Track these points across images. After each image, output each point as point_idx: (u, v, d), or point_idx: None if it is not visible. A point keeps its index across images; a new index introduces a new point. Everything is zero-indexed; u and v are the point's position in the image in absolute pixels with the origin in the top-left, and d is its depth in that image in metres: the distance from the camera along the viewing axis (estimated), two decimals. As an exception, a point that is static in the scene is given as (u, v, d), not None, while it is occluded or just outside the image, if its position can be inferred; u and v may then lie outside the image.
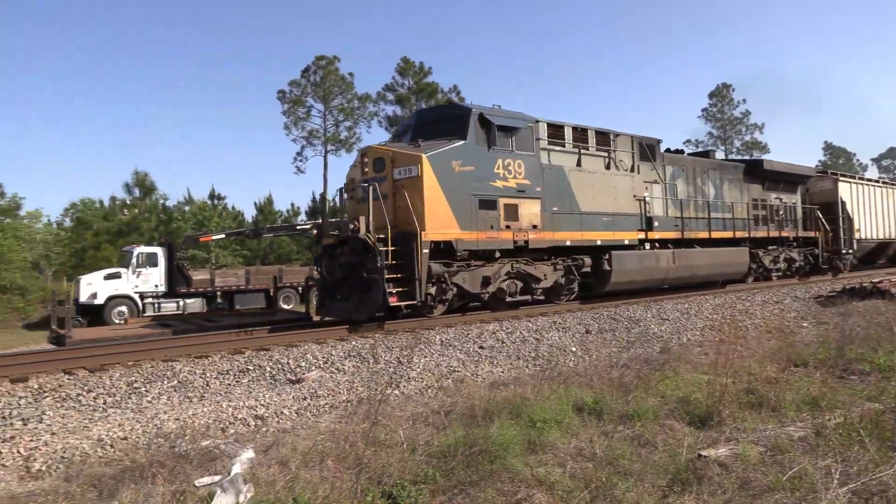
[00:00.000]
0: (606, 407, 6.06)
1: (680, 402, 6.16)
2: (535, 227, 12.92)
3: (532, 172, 13.05)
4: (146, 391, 7.48)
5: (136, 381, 7.75)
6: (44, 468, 5.10)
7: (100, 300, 19.04)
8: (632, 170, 15.28)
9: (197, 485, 4.39)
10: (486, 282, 12.40)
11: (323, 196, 37.47)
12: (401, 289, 10.95)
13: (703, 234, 17.11)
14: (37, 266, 31.32)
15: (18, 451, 5.40)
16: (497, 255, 12.59)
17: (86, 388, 7.42)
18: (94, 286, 19.16)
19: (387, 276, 10.74)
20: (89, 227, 32.35)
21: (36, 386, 7.43)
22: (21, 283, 25.25)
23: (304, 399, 7.30)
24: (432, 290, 11.67)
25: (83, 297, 18.71)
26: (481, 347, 10.26)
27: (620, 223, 14.77)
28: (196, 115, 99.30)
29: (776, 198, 20.40)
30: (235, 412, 6.71)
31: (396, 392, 7.69)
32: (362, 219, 11.02)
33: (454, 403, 6.70)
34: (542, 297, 13.86)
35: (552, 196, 13.32)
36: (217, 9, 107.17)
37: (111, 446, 5.58)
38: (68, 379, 7.74)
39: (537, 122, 13.36)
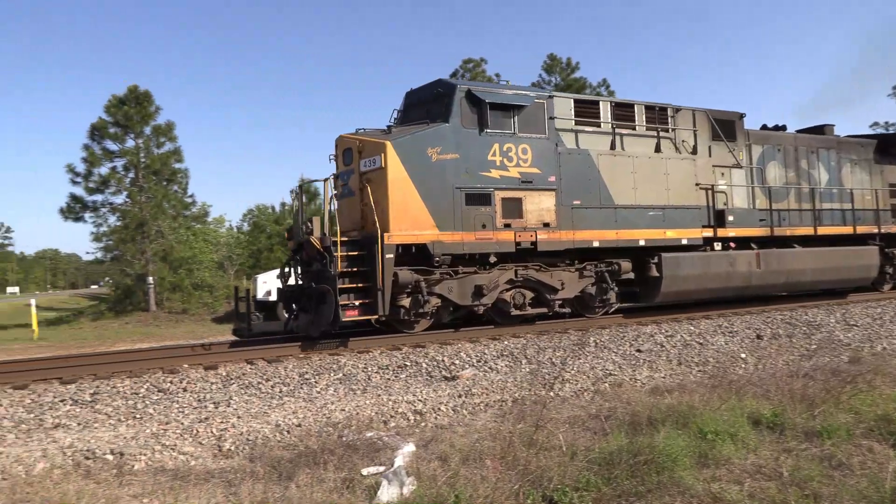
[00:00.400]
0: (788, 421, 5.46)
1: (880, 421, 5.39)
2: (546, 224, 10.81)
3: (543, 159, 10.90)
4: (315, 382, 8.01)
5: (306, 372, 8.35)
6: (232, 448, 5.54)
7: (273, 297, 20.87)
8: (694, 152, 12.74)
9: (364, 473, 4.59)
10: (479, 292, 10.41)
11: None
12: (364, 300, 9.49)
13: (805, 230, 14.04)
14: (221, 266, 35.05)
15: (212, 431, 5.94)
16: (492, 259, 10.59)
17: (264, 377, 8.10)
18: (269, 284, 21.00)
19: (342, 286, 9.31)
20: (263, 231, 35.68)
21: (224, 374, 8.23)
22: (210, 282, 28.34)
23: (460, 396, 7.39)
24: (406, 301, 10.01)
25: (259, 294, 20.56)
26: (639, 351, 9.78)
27: (676, 218, 12.22)
28: (349, 117, 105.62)
29: None
30: (395, 406, 6.94)
31: (550, 394, 7.55)
32: (316, 219, 9.83)
33: (613, 408, 6.43)
34: (565, 311, 11.54)
35: (573, 187, 11.15)
36: (372, 20, 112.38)
37: (287, 432, 5.99)
38: (250, 368, 8.52)
39: (551, 97, 11.30)
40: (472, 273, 10.44)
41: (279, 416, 6.44)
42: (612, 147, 11.84)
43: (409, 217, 9.81)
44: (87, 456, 5.28)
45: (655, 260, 11.87)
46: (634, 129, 12.18)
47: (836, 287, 15.32)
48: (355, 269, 9.55)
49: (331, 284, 9.19)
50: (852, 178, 15.47)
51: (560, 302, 11.36)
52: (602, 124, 11.83)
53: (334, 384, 8.01)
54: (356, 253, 9.58)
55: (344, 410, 6.74)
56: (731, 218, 12.91)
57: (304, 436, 5.85)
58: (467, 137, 10.33)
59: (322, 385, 7.94)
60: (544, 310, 11.22)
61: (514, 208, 10.67)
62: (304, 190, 11.89)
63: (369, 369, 8.57)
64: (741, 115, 13.81)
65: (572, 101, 11.68)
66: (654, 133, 12.37)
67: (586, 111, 11.73)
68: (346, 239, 9.61)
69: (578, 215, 11.21)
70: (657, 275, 11.85)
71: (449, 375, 8.45)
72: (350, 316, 9.35)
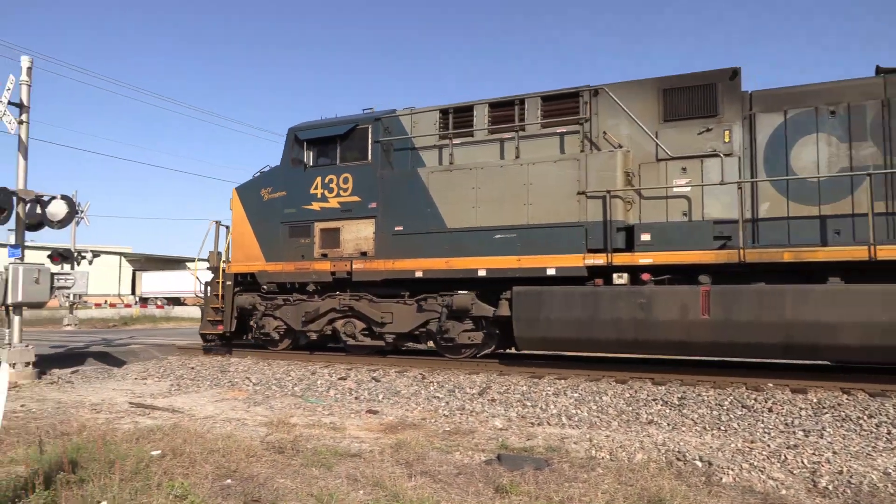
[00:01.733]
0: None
1: None
2: (364, 254, 10.50)
3: (364, 185, 10.58)
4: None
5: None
6: (830, 487, 4.74)
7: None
8: (580, 148, 9.63)
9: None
10: (309, 319, 11.08)
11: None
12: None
13: (844, 254, 7.89)
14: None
15: (802, 462, 5.33)
16: (311, 287, 11.17)
17: (866, 412, 7.01)
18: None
19: (211, 307, 12.27)
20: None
21: (815, 400, 7.49)
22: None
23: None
24: (255, 323, 12.07)
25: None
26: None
27: (539, 241, 9.46)
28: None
29: None
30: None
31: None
32: (211, 252, 12.70)
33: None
34: (421, 346, 11.42)
35: (396, 212, 10.34)
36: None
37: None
38: (847, 398, 7.54)
39: (377, 119, 10.76)
40: (304, 301, 11.46)
41: (889, 463, 5.37)
42: (446, 162, 10.49)
43: (244, 250, 11.85)
44: (677, 457, 5.38)
45: (508, 295, 9.67)
46: (525, 129, 10.08)
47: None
48: (215, 294, 12.31)
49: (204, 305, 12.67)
50: None
51: (393, 336, 10.79)
52: (477, 132, 10.39)
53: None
54: (219, 281, 12.24)
55: None
56: (645, 237, 8.90)
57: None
58: (294, 175, 11.40)
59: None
60: (381, 342, 10.97)
61: (332, 238, 10.95)
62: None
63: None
64: (732, 73, 9.05)
65: (437, 112, 10.69)
66: (556, 130, 9.93)
67: (460, 119, 10.54)
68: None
69: (400, 242, 10.38)
70: (508, 314, 9.61)
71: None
72: (217, 330, 12.30)
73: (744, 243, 8.44)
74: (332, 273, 10.81)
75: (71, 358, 11.46)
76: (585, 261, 9.14)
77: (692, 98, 9.20)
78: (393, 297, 10.72)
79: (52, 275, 9.27)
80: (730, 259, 8.39)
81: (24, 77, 9.13)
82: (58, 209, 9.70)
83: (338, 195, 10.86)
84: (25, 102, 9.18)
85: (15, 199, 9.38)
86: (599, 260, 9.06)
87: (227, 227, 12.64)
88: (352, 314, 11.00)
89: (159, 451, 5.08)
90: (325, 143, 11.12)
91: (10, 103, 8.93)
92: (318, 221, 11.02)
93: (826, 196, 8.47)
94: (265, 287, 11.57)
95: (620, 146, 9.41)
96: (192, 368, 11.05)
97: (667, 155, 9.20)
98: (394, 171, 10.69)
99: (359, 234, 10.76)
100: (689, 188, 9.03)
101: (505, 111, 10.26)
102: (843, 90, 8.66)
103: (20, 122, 9.12)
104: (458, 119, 10.51)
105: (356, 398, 8.49)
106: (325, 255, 10.94)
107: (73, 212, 9.96)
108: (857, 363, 9.07)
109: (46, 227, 9.94)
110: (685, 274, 8.82)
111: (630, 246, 9.02)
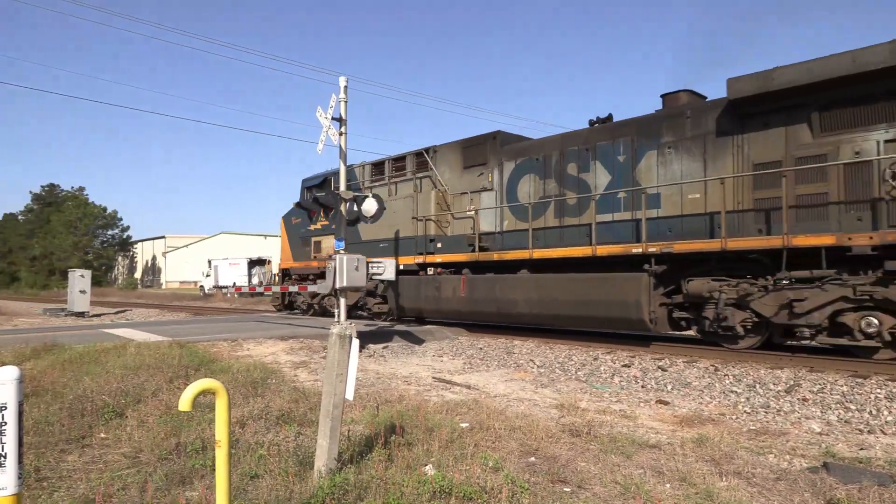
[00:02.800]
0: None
1: None
2: (330, 257, 14.73)
3: (333, 215, 16.02)
4: None
5: None
6: None
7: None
8: (416, 189, 15.34)
9: None
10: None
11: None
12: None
13: (523, 255, 12.44)
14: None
15: None
16: (311, 277, 17.88)
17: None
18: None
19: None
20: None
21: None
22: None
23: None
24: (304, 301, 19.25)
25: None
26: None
27: (400, 249, 15.40)
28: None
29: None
30: None
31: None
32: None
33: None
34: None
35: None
36: None
37: None
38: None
39: (350, 167, 16.43)
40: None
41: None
42: (391, 194, 16.01)
43: (285, 254, 19.83)
44: None
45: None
46: (405, 174, 15.88)
47: (603, 327, 11.78)
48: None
49: None
50: (662, 171, 10.91)
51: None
52: (386, 177, 16.46)
53: None
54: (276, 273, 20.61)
55: None
56: (438, 245, 14.69)
57: None
58: (305, 209, 18.75)
59: None
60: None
61: (317, 246, 18.14)
62: None
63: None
64: (494, 135, 13.97)
65: (371, 165, 17.07)
66: (415, 175, 15.56)
67: (378, 170, 16.90)
68: None
69: (346, 248, 17.62)
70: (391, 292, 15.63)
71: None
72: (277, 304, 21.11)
73: (491, 248, 13.65)
74: (319, 268, 17.39)
75: (381, 335, 13.11)
76: (416, 260, 14.94)
77: (475, 153, 14.34)
78: None
79: (368, 263, 10.76)
80: (471, 259, 13.68)
81: (341, 95, 10.72)
82: (370, 206, 11.23)
83: (319, 220, 18.05)
84: (343, 116, 10.78)
85: (338, 199, 11.12)
86: (421, 259, 14.82)
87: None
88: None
89: (467, 424, 5.55)
90: (313, 189, 18.14)
91: (332, 118, 10.57)
92: (313, 236, 18.39)
93: (534, 216, 12.65)
94: (293, 276, 19.12)
95: (443, 186, 14.89)
96: (481, 349, 11.85)
97: (465, 190, 14.50)
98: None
99: (329, 243, 17.19)
100: (472, 212, 13.95)
101: (398, 163, 16.19)
102: (543, 144, 13.13)
103: (340, 134, 10.75)
104: (377, 169, 16.90)
105: (642, 387, 8.31)
106: (315, 257, 18.00)
107: (382, 208, 11.44)
108: (528, 325, 13.80)
109: (361, 222, 11.62)
110: (454, 267, 14.28)
111: (431, 251, 14.71)
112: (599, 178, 11.82)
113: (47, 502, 3.76)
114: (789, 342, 9.97)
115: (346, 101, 10.60)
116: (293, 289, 17.46)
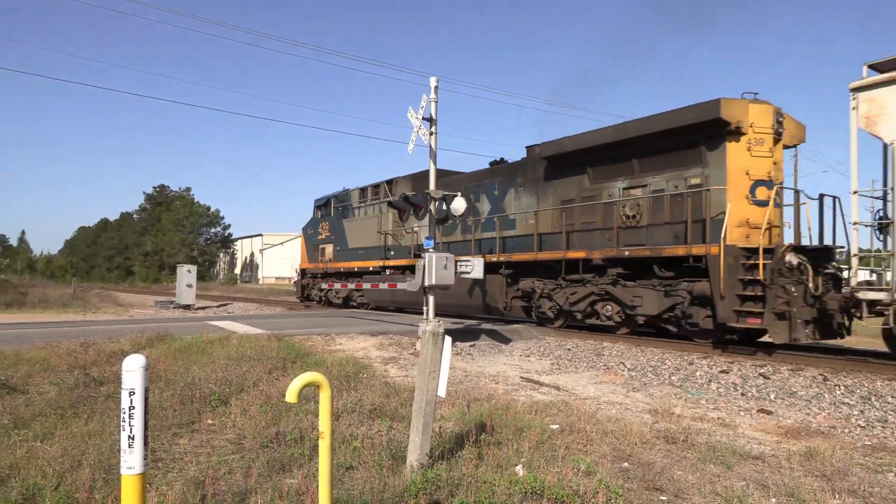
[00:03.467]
0: None
1: None
2: (330, 259, 20.88)
3: (330, 227, 22.13)
4: None
5: None
6: None
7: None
8: (380, 210, 19.68)
9: None
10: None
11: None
12: None
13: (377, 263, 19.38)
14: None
15: None
16: (318, 275, 22.73)
17: None
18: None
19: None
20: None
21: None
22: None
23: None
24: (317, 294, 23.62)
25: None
26: None
27: (370, 255, 19.82)
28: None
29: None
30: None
31: None
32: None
33: None
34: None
35: (338, 240, 21.41)
36: None
37: None
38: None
39: (346, 190, 21.64)
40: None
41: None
42: (353, 215, 20.99)
43: (303, 257, 24.09)
44: None
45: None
46: (379, 198, 19.85)
47: (479, 313, 16.97)
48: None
49: None
50: (516, 203, 15.15)
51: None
52: (368, 199, 20.51)
53: None
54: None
55: None
56: (391, 253, 18.98)
57: None
58: (314, 222, 23.44)
59: None
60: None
61: (322, 252, 22.65)
62: None
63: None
64: (446, 174, 17.78)
65: (359, 189, 20.95)
66: (381, 200, 19.75)
67: (363, 194, 20.78)
68: None
69: (339, 254, 21.51)
70: (367, 287, 19.27)
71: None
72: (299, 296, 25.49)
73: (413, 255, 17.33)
74: (323, 269, 22.30)
75: (468, 333, 13.18)
76: (380, 263, 19.05)
77: (421, 184, 17.78)
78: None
79: (456, 261, 10.85)
80: (409, 263, 17.41)
81: (432, 95, 10.86)
82: (459, 205, 11.28)
83: (322, 230, 22.81)
84: (434, 116, 10.92)
85: (428, 198, 11.27)
86: (381, 263, 18.98)
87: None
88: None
89: (557, 426, 5.48)
90: (321, 207, 22.89)
91: (423, 118, 10.74)
92: (320, 244, 22.84)
93: (447, 232, 17.23)
94: (309, 276, 23.83)
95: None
96: (569, 350, 11.67)
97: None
98: (337, 221, 21.49)
99: (330, 249, 22.19)
100: (417, 227, 17.69)
101: (375, 189, 20.17)
102: (460, 179, 17.18)
103: (431, 134, 10.90)
104: (363, 193, 20.77)
105: (742, 394, 7.91)
106: (320, 259, 22.65)
107: (470, 206, 11.51)
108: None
109: (450, 220, 11.74)
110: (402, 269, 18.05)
111: (388, 257, 19.00)
112: (484, 206, 16.03)
113: (162, 482, 4.04)
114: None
115: (436, 102, 10.73)
116: (403, 286, 18.67)
